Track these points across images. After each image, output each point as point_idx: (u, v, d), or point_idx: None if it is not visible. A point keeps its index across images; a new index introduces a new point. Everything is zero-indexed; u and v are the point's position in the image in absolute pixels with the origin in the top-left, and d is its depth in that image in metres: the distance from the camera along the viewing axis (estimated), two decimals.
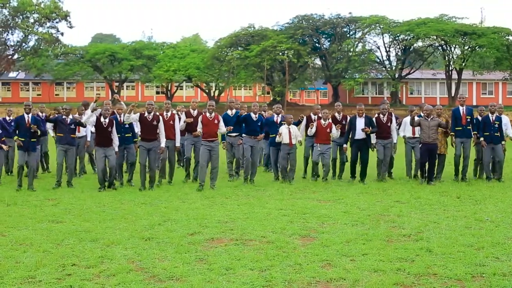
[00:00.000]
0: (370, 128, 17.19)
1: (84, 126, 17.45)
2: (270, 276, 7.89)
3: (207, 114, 16.65)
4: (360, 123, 17.29)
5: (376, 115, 17.96)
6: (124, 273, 8.07)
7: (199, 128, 16.63)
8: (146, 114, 16.15)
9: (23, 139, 16.26)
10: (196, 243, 9.82)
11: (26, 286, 7.60)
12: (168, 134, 16.74)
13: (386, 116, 17.82)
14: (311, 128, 17.68)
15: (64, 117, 16.90)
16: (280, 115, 18.40)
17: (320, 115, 18.20)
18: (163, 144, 16.28)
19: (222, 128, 16.83)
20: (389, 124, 17.81)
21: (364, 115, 17.45)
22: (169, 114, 17.14)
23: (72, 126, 16.96)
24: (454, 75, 63.05)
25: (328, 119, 17.76)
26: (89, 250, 9.38)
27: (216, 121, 16.64)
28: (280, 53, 62.02)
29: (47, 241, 10.07)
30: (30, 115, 16.48)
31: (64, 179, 16.88)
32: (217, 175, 16.79)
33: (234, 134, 17.86)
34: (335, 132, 17.60)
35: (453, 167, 18.41)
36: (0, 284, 7.66)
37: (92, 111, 16.49)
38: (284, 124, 17.47)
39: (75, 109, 18.95)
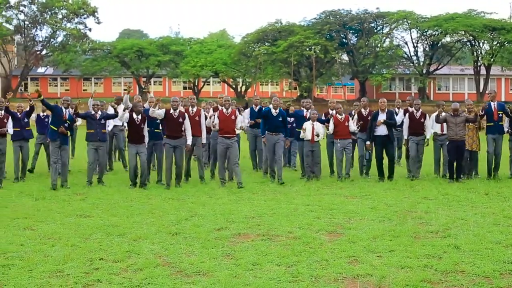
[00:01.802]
0: (383, 120, 16.81)
1: (115, 117, 16.91)
2: (297, 271, 7.89)
3: (224, 110, 16.27)
4: (382, 118, 16.95)
5: (410, 111, 17.64)
6: (151, 267, 8.11)
7: (216, 123, 16.17)
8: (171, 111, 15.80)
9: (55, 128, 15.75)
10: (223, 238, 9.84)
11: (54, 280, 7.66)
12: (194, 130, 16.31)
13: (419, 111, 17.48)
14: (328, 127, 17.26)
15: (93, 112, 16.57)
16: (309, 110, 17.79)
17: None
18: (189, 142, 15.96)
19: (239, 124, 16.39)
20: (422, 120, 17.42)
21: (386, 110, 17.07)
22: (194, 109, 16.76)
23: (102, 121, 16.62)
24: (483, 71, 62.41)
25: (344, 113, 17.34)
26: (117, 244, 9.44)
27: (233, 117, 16.22)
28: (307, 49, 61.86)
29: (75, 235, 10.15)
30: (68, 110, 16.06)
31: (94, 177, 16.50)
32: (239, 170, 16.28)
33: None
34: (352, 125, 17.22)
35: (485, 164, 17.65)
36: (29, 278, 7.74)
37: (125, 107, 16.40)
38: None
39: (107, 104, 18.70)
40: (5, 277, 7.77)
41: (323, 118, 17.75)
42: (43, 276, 7.81)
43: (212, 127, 16.61)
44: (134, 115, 15.77)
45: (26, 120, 17.29)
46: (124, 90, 17.15)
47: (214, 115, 16.51)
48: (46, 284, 7.50)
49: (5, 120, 16.32)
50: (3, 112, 16.26)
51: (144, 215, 11.96)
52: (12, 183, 16.59)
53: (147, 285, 7.46)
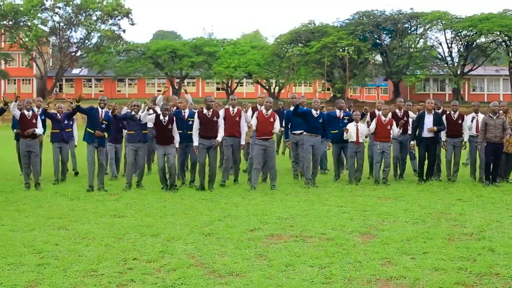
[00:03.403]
0: (436, 128, 16.49)
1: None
2: (330, 273, 7.87)
3: (264, 111, 15.92)
4: (429, 120, 16.55)
5: (447, 112, 17.23)
6: (184, 268, 8.13)
7: (254, 124, 15.92)
8: (205, 110, 15.45)
9: (92, 131, 15.49)
10: (256, 239, 9.84)
11: (88, 279, 7.71)
12: (233, 131, 16.03)
13: (457, 113, 17.05)
14: (370, 126, 16.88)
15: (133, 113, 16.12)
16: (342, 111, 17.51)
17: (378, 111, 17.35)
18: (219, 138, 15.54)
19: (277, 127, 16.01)
20: (460, 121, 16.98)
21: (433, 111, 16.70)
22: (235, 110, 16.26)
23: (143, 122, 15.92)
24: None
25: (389, 116, 16.91)
26: (150, 244, 9.48)
27: (272, 119, 15.85)
28: (341, 50, 61.87)
29: (109, 235, 10.21)
30: (104, 110, 15.78)
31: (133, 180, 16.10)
32: (276, 174, 16.03)
33: (298, 132, 17.10)
34: (396, 129, 16.77)
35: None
36: (64, 277, 7.80)
37: (153, 107, 16.24)
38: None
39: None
40: (40, 276, 7.84)
41: (368, 117, 17.52)
42: (77, 276, 7.86)
43: (248, 128, 16.33)
44: (161, 116, 15.44)
45: (66, 121, 17.20)
46: (158, 91, 16.87)
47: (253, 116, 16.26)
48: (80, 284, 7.56)
49: (34, 121, 15.91)
50: (31, 112, 15.92)
51: (178, 215, 12.00)
52: (50, 184, 16.53)
53: (180, 285, 7.48)
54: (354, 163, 16.82)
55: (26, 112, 15.84)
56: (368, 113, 17.74)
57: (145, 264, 8.39)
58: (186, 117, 16.26)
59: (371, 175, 17.65)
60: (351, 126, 16.68)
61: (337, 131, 17.10)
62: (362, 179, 16.98)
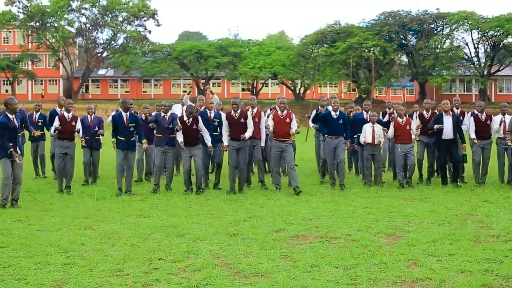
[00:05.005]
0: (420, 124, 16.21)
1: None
2: (355, 274, 7.85)
3: (279, 112, 15.60)
4: (448, 121, 16.12)
5: (475, 113, 16.68)
6: (209, 268, 8.16)
7: (271, 125, 15.53)
8: (232, 112, 15.25)
9: (122, 139, 15.02)
10: (281, 240, 9.85)
11: (114, 279, 7.76)
12: (253, 133, 15.59)
13: (484, 113, 16.60)
14: (388, 131, 16.44)
15: (163, 115, 15.80)
16: (369, 112, 16.90)
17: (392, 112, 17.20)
18: (246, 135, 15.20)
19: (294, 128, 15.72)
20: (488, 122, 16.51)
21: (451, 113, 16.29)
22: (254, 111, 16.11)
23: (171, 126, 15.49)
24: None
25: (406, 116, 16.47)
26: (176, 245, 9.52)
27: (288, 120, 15.52)
28: (366, 50, 61.64)
29: (134, 235, 10.26)
30: (128, 113, 15.27)
31: (161, 183, 15.82)
32: (296, 174, 15.62)
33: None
34: (414, 128, 16.33)
35: None
36: (89, 276, 7.85)
37: (182, 106, 16.07)
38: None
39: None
40: (66, 276, 7.89)
41: (383, 119, 17.24)
42: (103, 275, 7.91)
43: (266, 129, 15.85)
44: (185, 117, 15.17)
45: (97, 128, 16.74)
46: (184, 91, 16.74)
47: (269, 117, 16.02)
48: (106, 283, 7.60)
49: (73, 123, 15.73)
50: (70, 114, 15.80)
51: (203, 216, 12.03)
52: (77, 184, 16.42)
53: (205, 286, 7.51)
54: (370, 166, 16.53)
55: (66, 114, 15.76)
56: (381, 113, 17.61)
57: (171, 264, 8.42)
58: (212, 117, 16.10)
59: (394, 178, 17.22)
60: (367, 127, 16.35)
61: None
62: (388, 181, 16.82)
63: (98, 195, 14.67)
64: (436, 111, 16.99)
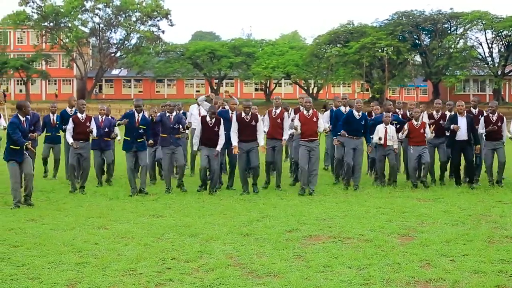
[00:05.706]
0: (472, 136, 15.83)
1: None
2: (368, 274, 7.84)
3: (305, 112, 15.37)
4: (462, 122, 15.89)
5: (485, 114, 16.50)
6: (222, 268, 8.16)
7: (299, 126, 15.26)
8: (243, 114, 15.12)
9: (128, 138, 15.08)
10: (294, 240, 9.84)
11: (127, 278, 7.78)
12: (275, 133, 15.69)
13: (495, 114, 16.27)
14: (402, 133, 16.15)
15: (168, 115, 15.71)
16: (391, 114, 16.66)
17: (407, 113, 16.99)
18: (262, 143, 15.15)
19: (321, 127, 15.60)
20: (499, 123, 16.17)
21: (465, 114, 16.05)
22: (278, 111, 15.94)
23: (176, 126, 15.55)
24: None
25: (422, 119, 16.29)
26: (189, 244, 9.53)
27: (315, 119, 15.29)
28: (379, 50, 61.57)
29: (148, 235, 10.28)
30: (141, 114, 15.22)
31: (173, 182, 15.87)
32: (317, 178, 15.53)
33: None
34: (429, 133, 16.07)
35: None
36: (103, 276, 7.88)
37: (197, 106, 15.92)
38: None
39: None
40: (80, 275, 7.92)
41: (401, 117, 17.04)
42: (117, 275, 7.94)
43: (294, 130, 15.59)
44: (208, 118, 15.02)
45: (106, 129, 16.62)
46: (197, 91, 16.43)
47: (295, 117, 15.71)
48: (119, 283, 7.63)
49: (88, 123, 15.60)
50: (84, 115, 15.67)
51: (216, 215, 12.04)
52: (90, 184, 16.30)
53: (218, 285, 7.52)
54: (383, 167, 16.42)
55: (79, 115, 15.63)
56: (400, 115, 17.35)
57: (184, 264, 8.43)
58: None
59: (408, 179, 16.97)
60: (380, 128, 16.19)
61: None
62: (399, 181, 16.64)
63: (111, 194, 14.70)
64: (452, 112, 16.86)
